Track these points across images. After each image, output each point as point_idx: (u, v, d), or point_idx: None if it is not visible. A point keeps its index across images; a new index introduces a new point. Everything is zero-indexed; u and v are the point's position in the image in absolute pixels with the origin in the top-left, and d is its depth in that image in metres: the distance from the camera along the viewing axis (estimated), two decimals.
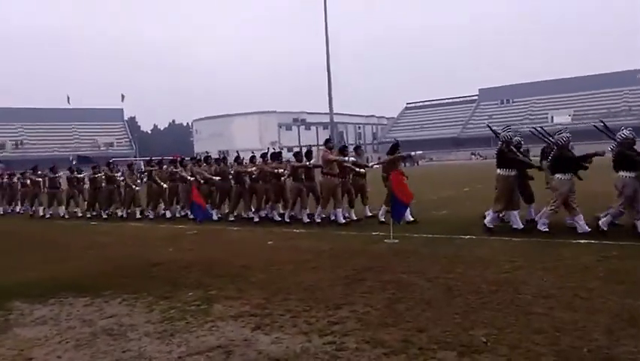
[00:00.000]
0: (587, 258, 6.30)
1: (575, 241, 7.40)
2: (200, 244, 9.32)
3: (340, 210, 10.60)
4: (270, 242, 8.96)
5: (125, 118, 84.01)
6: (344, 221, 10.52)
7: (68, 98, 73.91)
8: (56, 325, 4.87)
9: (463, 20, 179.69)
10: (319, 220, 10.80)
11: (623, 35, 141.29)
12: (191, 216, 12.60)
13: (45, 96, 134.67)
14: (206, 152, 15.11)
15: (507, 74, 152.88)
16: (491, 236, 8.23)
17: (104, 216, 14.81)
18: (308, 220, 11.02)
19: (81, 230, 12.80)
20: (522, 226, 8.48)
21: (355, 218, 10.94)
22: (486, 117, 76.97)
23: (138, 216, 14.30)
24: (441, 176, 29.99)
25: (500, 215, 8.92)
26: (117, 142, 76.94)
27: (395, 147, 10.70)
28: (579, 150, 8.77)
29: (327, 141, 11.51)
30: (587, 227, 7.84)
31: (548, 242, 7.45)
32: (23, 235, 12.41)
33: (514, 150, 8.69)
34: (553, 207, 8.01)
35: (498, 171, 8.67)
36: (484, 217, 8.86)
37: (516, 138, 8.89)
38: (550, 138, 8.54)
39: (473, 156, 66.18)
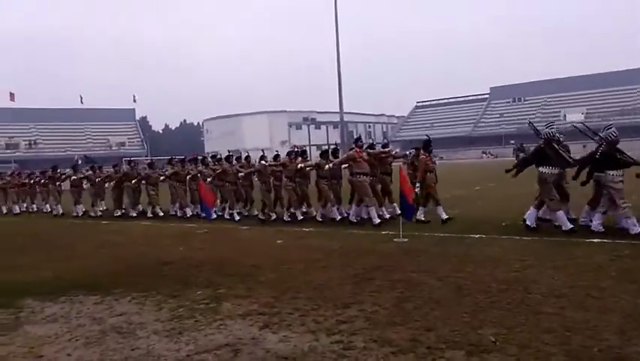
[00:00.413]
0: (599, 257, 6.23)
1: (587, 240, 7.31)
2: (210, 243, 9.36)
3: (373, 208, 10.28)
4: (279, 241, 8.97)
5: (137, 118, 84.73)
6: (379, 220, 10.13)
7: (81, 98, 74.61)
8: (66, 323, 4.92)
9: (469, 23, 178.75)
10: (355, 220, 10.48)
11: (623, 38, 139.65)
12: (202, 214, 12.63)
13: (50, 96, 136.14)
14: (228, 151, 15.05)
15: (511, 75, 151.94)
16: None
17: (134, 214, 14.68)
18: (321, 220, 10.92)
19: (92, 229, 12.91)
20: (534, 226, 8.32)
21: (388, 216, 10.73)
22: (497, 116, 76.53)
23: (149, 215, 14.39)
24: (452, 175, 29.80)
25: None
26: (129, 142, 77.62)
27: (428, 143, 10.48)
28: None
29: (357, 140, 11.05)
30: (601, 227, 7.70)
31: (559, 241, 7.38)
32: (34, 234, 12.53)
33: (556, 147, 8.27)
34: (624, 206, 7.62)
35: (540, 169, 8.26)
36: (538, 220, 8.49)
37: (556, 135, 8.43)
38: (599, 134, 8.05)
39: (484, 155, 65.74)
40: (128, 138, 78.61)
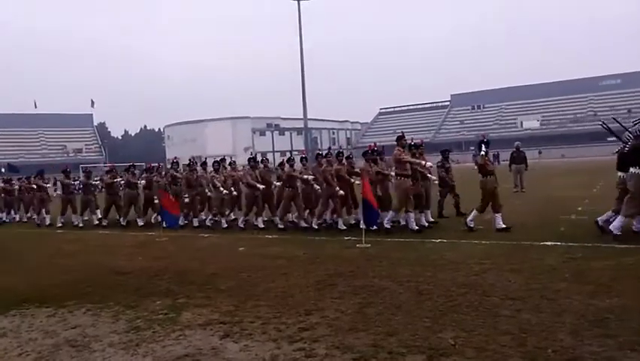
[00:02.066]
0: (553, 260, 6.42)
1: (541, 243, 7.53)
2: (170, 251, 9.16)
3: (412, 214, 9.50)
4: (241, 248, 8.87)
5: (95, 124, 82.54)
6: (417, 227, 9.40)
7: (35, 103, 72.21)
8: (17, 337, 4.70)
9: (433, 31, 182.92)
10: (389, 226, 9.53)
11: (577, 49, 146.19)
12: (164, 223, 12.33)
13: (9, 101, 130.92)
14: (251, 153, 13.63)
15: (475, 84, 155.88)
16: (619, 244, 7.15)
17: (123, 223, 13.23)
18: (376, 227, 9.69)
19: (48, 238, 12.43)
20: (619, 233, 7.32)
21: (427, 224, 9.90)
22: (458, 122, 78.39)
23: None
24: None
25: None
26: (86, 148, 75.44)
27: (487, 144, 9.36)
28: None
29: (399, 138, 9.75)
30: None
31: (516, 245, 7.57)
32: None
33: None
34: None
35: (632, 170, 7.47)
36: (602, 224, 7.89)
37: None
38: None
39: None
40: (86, 145, 76.38)
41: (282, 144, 66.92)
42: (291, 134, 72.07)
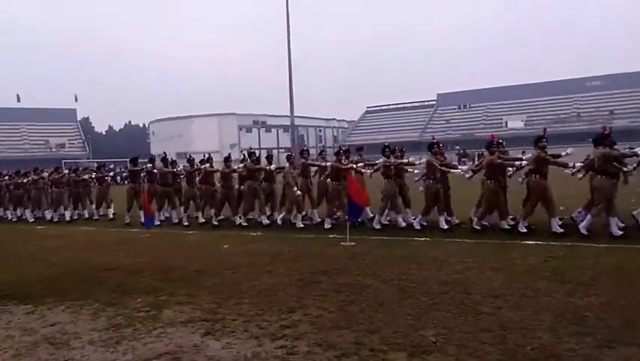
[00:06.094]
0: (534, 258, 6.49)
1: (523, 242, 7.61)
2: (153, 248, 9.08)
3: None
4: (225, 246, 8.83)
5: (79, 118, 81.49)
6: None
7: (18, 96, 70.91)
8: None
9: (419, 31, 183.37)
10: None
11: (561, 49, 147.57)
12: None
13: None
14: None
15: (458, 83, 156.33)
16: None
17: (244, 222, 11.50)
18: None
19: (28, 234, 12.26)
20: None
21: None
22: (444, 122, 78.79)
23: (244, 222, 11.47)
24: None
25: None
26: (70, 143, 74.35)
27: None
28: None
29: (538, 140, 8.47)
30: None
31: (499, 243, 7.64)
32: None
33: None
34: None
35: None
36: None
37: None
38: None
39: None
40: (69, 140, 75.19)
41: (268, 141, 66.75)
42: (277, 131, 71.83)
